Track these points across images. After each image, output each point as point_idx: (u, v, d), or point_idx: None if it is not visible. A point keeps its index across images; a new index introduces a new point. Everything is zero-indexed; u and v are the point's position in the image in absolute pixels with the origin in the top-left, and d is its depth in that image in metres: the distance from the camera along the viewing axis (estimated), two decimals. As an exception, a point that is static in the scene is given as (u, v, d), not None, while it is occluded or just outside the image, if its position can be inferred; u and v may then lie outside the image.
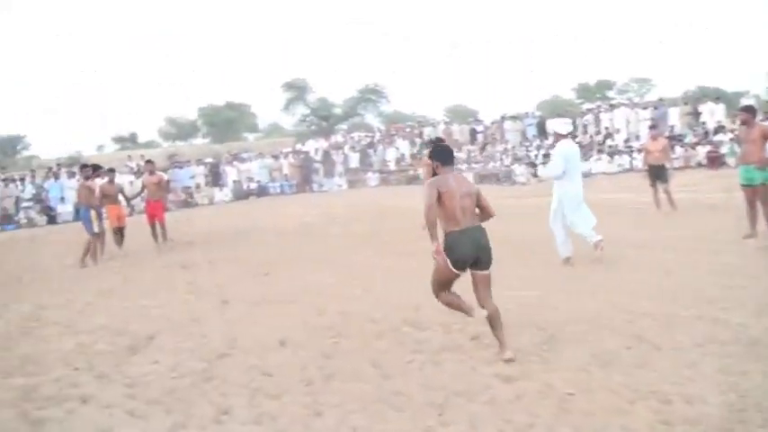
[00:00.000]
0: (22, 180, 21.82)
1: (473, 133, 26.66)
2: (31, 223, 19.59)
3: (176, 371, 4.98)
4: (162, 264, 10.04)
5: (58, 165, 25.81)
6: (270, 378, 4.71)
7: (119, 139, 79.91)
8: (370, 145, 27.84)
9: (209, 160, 27.01)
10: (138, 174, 22.03)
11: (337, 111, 51.85)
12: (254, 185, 24.53)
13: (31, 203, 20.53)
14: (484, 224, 4.76)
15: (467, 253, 4.63)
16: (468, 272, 4.72)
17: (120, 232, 11.58)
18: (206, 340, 5.73)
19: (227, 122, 65.04)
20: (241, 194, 23.84)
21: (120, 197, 11.81)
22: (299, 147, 29.94)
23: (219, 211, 19.43)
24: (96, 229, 10.60)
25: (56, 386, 4.85)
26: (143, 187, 12.19)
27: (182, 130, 75.90)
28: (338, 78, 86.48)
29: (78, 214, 11.55)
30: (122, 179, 20.18)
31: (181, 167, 24.48)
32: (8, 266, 11.07)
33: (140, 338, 5.87)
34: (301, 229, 13.20)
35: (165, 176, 13.44)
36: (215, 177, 24.78)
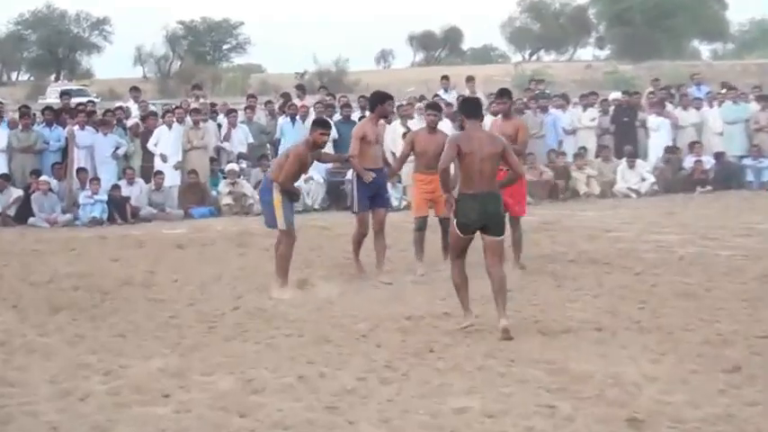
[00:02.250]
0: (232, 113, 23.93)
1: None
2: (240, 204, 21.73)
3: None
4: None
5: (301, 87, 28.44)
6: None
7: (423, 42, 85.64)
8: None
9: (615, 96, 27.48)
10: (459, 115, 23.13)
11: None
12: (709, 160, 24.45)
13: (243, 165, 22.69)
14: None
15: (472, 218, 9.67)
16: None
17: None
18: None
19: (657, 13, 65.53)
20: (677, 181, 23.94)
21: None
22: None
23: (631, 212, 20.20)
24: (282, 224, 12.50)
25: None
26: None
27: (552, 29, 79.08)
28: None
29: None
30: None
31: (545, 108, 25.20)
32: (178, 296, 12.54)
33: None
34: None
35: (525, 125, 14.27)
36: (624, 133, 25.33)
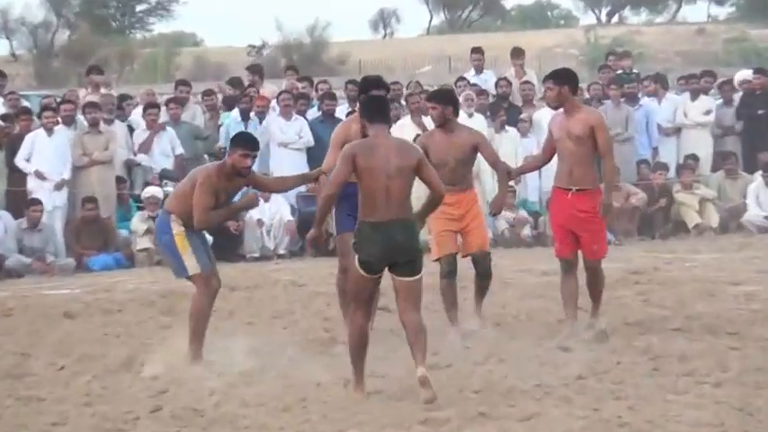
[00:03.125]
0: (152, 110, 24.60)
1: None
2: (149, 258, 22.13)
3: None
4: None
5: (257, 68, 28.84)
6: None
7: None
8: None
9: (743, 76, 27.71)
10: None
11: None
12: None
13: (168, 188, 22.50)
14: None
15: (375, 253, 10.97)
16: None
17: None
18: None
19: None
20: None
21: None
22: None
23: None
24: (193, 267, 13.11)
25: None
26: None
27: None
28: None
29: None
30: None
31: (633, 97, 25.58)
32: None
33: None
34: None
35: (601, 121, 14.26)
36: (759, 134, 25.82)
